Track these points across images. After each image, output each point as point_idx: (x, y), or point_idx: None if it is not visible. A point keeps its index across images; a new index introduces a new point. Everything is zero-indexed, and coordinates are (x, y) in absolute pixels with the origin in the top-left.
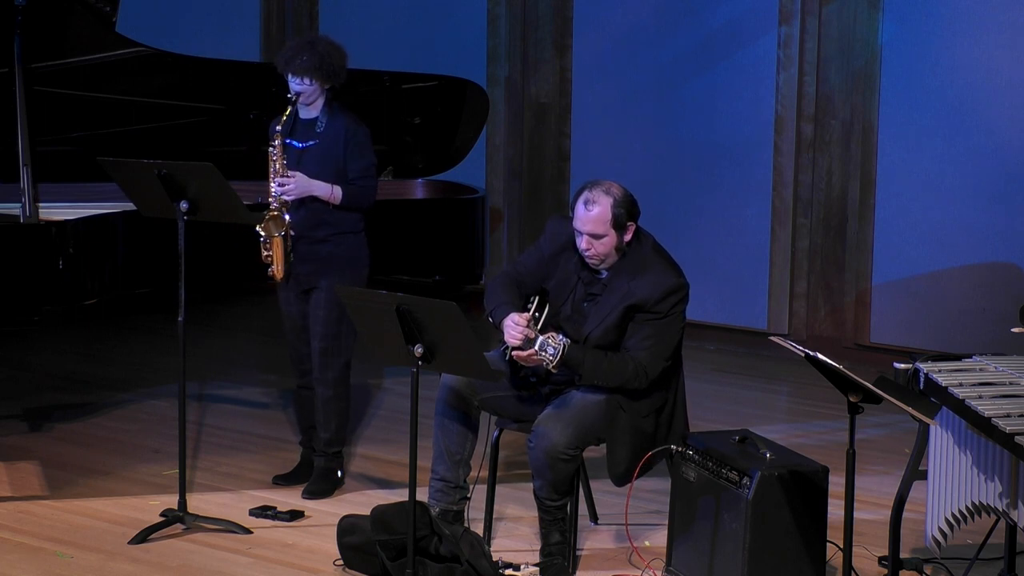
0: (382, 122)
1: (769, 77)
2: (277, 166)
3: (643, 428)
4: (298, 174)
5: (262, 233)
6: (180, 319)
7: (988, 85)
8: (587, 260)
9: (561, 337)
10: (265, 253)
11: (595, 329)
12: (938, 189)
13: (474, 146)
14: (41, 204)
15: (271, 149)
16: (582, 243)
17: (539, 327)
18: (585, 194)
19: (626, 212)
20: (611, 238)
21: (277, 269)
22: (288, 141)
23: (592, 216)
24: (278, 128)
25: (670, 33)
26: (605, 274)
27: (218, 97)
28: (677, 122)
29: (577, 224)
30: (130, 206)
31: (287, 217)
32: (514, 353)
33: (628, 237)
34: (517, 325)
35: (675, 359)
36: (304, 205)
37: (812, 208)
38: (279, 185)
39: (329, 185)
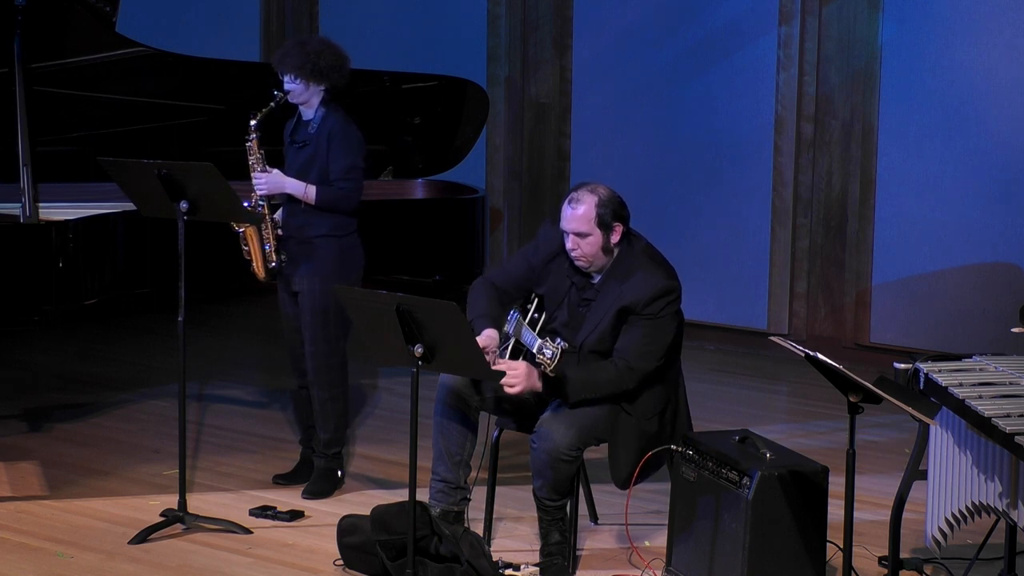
0: (382, 122)
1: (769, 77)
2: (252, 161)
3: (647, 430)
4: (274, 171)
5: (235, 227)
6: (180, 319)
7: (988, 85)
8: (575, 261)
9: (559, 340)
10: (244, 248)
11: (590, 335)
12: (938, 189)
13: (474, 146)
14: (41, 204)
15: (247, 144)
16: (569, 243)
17: (536, 330)
18: (571, 194)
19: (611, 212)
20: (596, 237)
21: (257, 265)
22: (289, 140)
23: (577, 215)
24: (252, 123)
25: (670, 33)
26: (597, 278)
27: (218, 97)
28: (677, 122)
29: (563, 223)
30: (130, 206)
31: (262, 204)
32: (507, 390)
33: (615, 238)
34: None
35: (674, 359)
36: (292, 204)
37: (812, 208)
38: (255, 179)
39: (303, 184)
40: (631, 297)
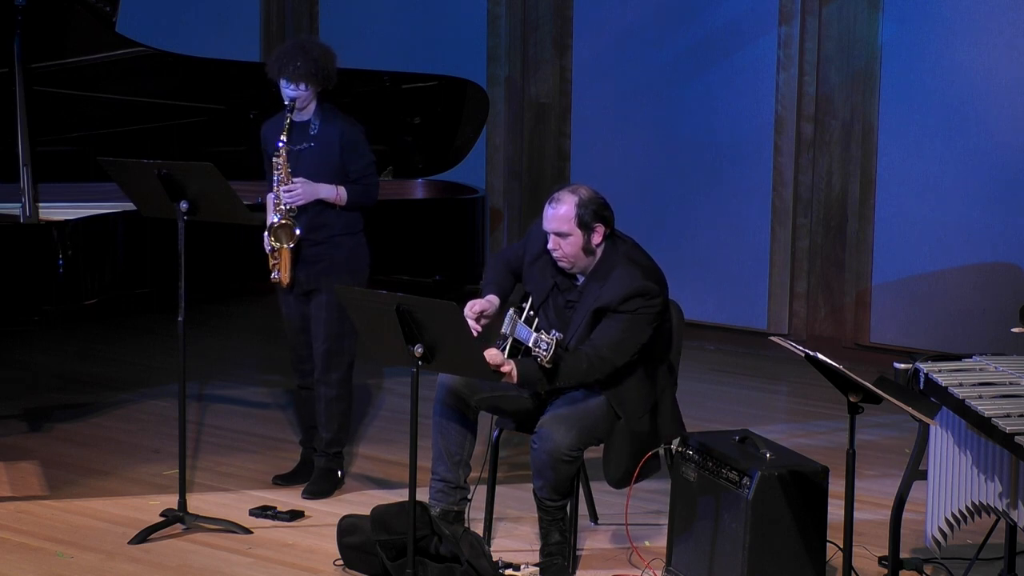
0: (382, 122)
1: (769, 77)
2: (283, 175)
3: (639, 430)
4: (302, 179)
5: (274, 244)
6: (180, 319)
7: (988, 86)
8: (557, 262)
9: (554, 332)
10: (273, 262)
11: (571, 339)
12: (938, 189)
13: (474, 146)
14: (41, 204)
15: (275, 159)
16: (550, 243)
17: (533, 327)
18: (552, 195)
19: (592, 212)
20: (576, 238)
21: (284, 276)
22: (280, 144)
23: (557, 215)
24: (283, 139)
25: (670, 33)
26: (581, 279)
27: (218, 97)
28: (677, 122)
29: (544, 224)
30: (130, 206)
31: (298, 231)
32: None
33: (597, 239)
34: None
35: (662, 359)
36: (303, 208)
37: (812, 208)
38: (285, 192)
39: (334, 186)
40: (607, 297)
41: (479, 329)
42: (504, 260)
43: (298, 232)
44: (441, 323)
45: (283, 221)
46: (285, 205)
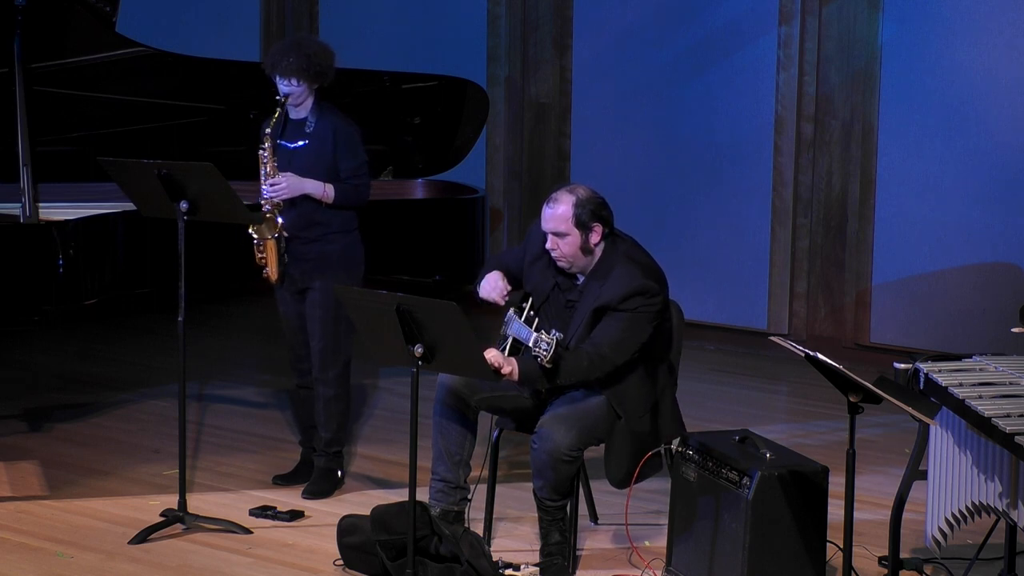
0: (382, 122)
1: (769, 77)
2: (268, 168)
3: (639, 429)
4: (288, 174)
5: (255, 236)
6: (180, 319)
7: (988, 86)
8: (556, 262)
9: (554, 332)
10: (259, 256)
11: (571, 339)
12: (938, 189)
13: (474, 146)
14: (41, 204)
15: (261, 152)
16: (548, 243)
17: (533, 327)
18: (550, 195)
19: (589, 212)
20: (574, 237)
21: (271, 271)
22: (279, 141)
23: (555, 214)
24: (267, 131)
25: (670, 33)
26: (581, 279)
27: (218, 97)
28: (677, 122)
29: (542, 224)
30: (130, 206)
31: (280, 220)
32: (493, 358)
33: (595, 239)
34: (495, 287)
35: (662, 358)
36: (296, 205)
37: (812, 208)
38: (270, 186)
39: (321, 184)
40: (607, 296)
41: (506, 294)
42: (503, 264)
43: (280, 221)
44: (441, 323)
45: (265, 215)
46: (269, 198)
